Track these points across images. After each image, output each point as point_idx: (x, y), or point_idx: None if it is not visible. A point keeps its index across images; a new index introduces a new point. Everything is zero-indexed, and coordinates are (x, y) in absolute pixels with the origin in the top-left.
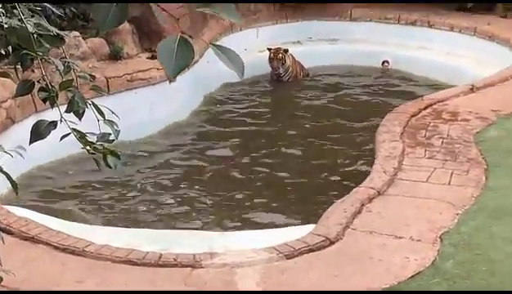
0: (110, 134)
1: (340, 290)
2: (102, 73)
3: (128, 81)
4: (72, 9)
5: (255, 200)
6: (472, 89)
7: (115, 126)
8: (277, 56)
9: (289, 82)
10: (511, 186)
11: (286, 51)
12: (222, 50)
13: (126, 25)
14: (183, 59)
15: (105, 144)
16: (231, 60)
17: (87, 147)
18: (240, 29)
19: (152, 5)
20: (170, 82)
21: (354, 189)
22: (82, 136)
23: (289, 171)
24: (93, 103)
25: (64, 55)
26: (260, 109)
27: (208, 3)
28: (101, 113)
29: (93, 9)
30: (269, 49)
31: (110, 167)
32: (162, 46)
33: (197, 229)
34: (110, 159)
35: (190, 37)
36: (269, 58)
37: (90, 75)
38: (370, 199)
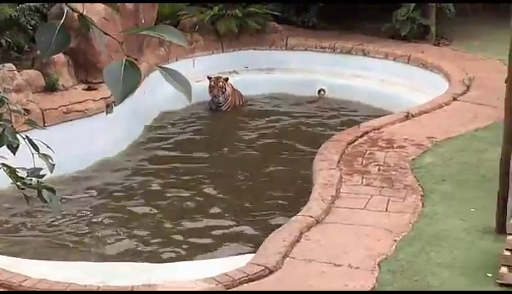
0: (41, 169)
1: None
2: (38, 105)
3: (64, 113)
4: (8, 40)
5: (192, 231)
6: (407, 116)
7: (50, 160)
8: (218, 84)
9: (228, 112)
10: (447, 212)
11: (226, 79)
12: (170, 72)
13: (61, 57)
14: (130, 82)
15: (39, 179)
16: (180, 83)
17: (18, 183)
18: (177, 59)
19: (95, 29)
20: (107, 113)
21: (292, 218)
22: (12, 171)
23: (226, 201)
24: (27, 137)
25: None
26: (198, 139)
27: (152, 28)
28: (36, 147)
29: (37, 35)
30: (209, 77)
31: (46, 202)
32: (108, 71)
33: (135, 260)
34: (45, 194)
35: (136, 60)
36: (209, 86)
37: (24, 109)
38: (309, 228)
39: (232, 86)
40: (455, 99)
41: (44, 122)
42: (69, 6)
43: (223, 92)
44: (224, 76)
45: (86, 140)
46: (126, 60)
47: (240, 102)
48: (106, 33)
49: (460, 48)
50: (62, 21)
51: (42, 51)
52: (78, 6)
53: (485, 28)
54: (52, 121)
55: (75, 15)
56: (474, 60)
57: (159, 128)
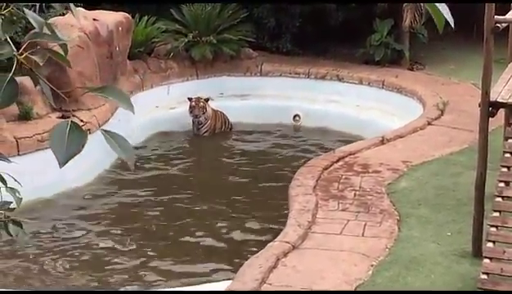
0: (11, 202)
1: None
2: (12, 133)
3: (38, 141)
4: None
5: (168, 257)
6: (382, 141)
7: (17, 194)
8: (199, 104)
9: (205, 137)
10: (423, 236)
11: (207, 100)
12: (113, 136)
13: None
14: (75, 145)
15: (7, 213)
16: (121, 147)
17: None
18: (152, 87)
19: (42, 82)
20: None
21: (269, 244)
22: None
23: (202, 226)
24: None
25: None
26: (174, 167)
27: (100, 88)
28: (3, 181)
29: None
30: (189, 98)
31: (11, 236)
32: (54, 133)
33: (111, 287)
34: (12, 228)
35: (82, 121)
36: (190, 106)
37: None
38: (286, 253)
39: (214, 110)
40: (429, 123)
41: (19, 151)
42: (19, 58)
43: (204, 112)
44: (205, 97)
45: (58, 168)
46: (72, 122)
47: (224, 127)
48: (53, 88)
49: (433, 72)
50: (11, 74)
51: None
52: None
53: (458, 53)
54: (27, 149)
55: (49, 43)
56: (448, 85)
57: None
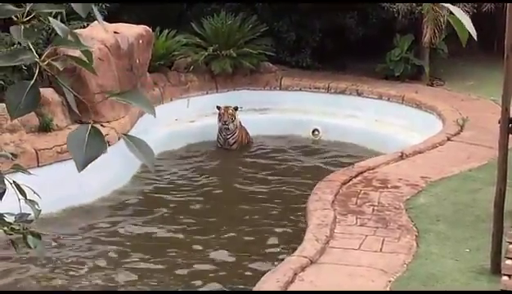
0: (29, 214)
1: None
2: (32, 145)
3: (58, 153)
4: (0, 81)
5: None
6: (401, 156)
7: (36, 206)
8: (227, 111)
9: (227, 150)
10: (441, 252)
11: (236, 108)
12: (134, 141)
13: (55, 97)
14: (94, 150)
15: (26, 225)
16: (142, 152)
17: (5, 228)
18: (171, 100)
19: (65, 90)
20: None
21: (287, 258)
22: None
23: (218, 237)
24: (14, 182)
25: None
26: (193, 178)
27: (122, 93)
28: (23, 193)
29: (7, 93)
30: (218, 107)
31: (30, 248)
32: (72, 136)
33: None
34: (30, 240)
35: (102, 126)
36: (219, 114)
37: (12, 153)
38: (303, 268)
39: (240, 122)
40: (449, 139)
41: (38, 162)
42: (41, 65)
43: (233, 120)
44: (233, 106)
45: (79, 179)
46: (92, 126)
47: (246, 140)
48: (76, 95)
49: (453, 88)
50: (33, 81)
51: (10, 110)
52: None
53: (478, 69)
54: (46, 161)
55: (66, 53)
56: (468, 101)
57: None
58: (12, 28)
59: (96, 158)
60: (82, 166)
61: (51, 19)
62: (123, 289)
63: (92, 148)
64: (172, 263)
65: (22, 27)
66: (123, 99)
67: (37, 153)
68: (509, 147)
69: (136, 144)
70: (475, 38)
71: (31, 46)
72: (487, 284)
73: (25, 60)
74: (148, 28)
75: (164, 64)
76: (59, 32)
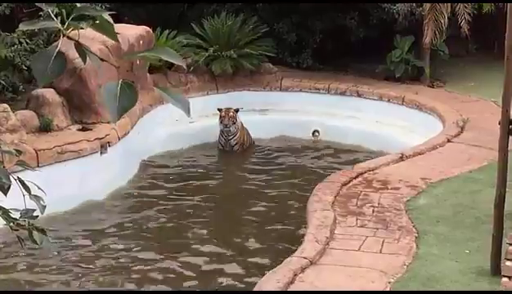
0: (34, 210)
1: None
2: (32, 145)
3: (58, 153)
4: (1, 81)
5: (185, 266)
6: (401, 157)
7: (41, 202)
8: (228, 114)
9: (227, 152)
10: (441, 254)
11: (237, 110)
12: (168, 92)
13: (56, 98)
14: (127, 101)
15: (31, 221)
16: (178, 100)
17: (11, 224)
18: None
19: (90, 54)
20: (101, 153)
21: (287, 259)
22: (5, 212)
23: (218, 238)
24: (19, 178)
25: None
26: (193, 178)
27: (148, 50)
28: (27, 188)
29: (32, 62)
30: (219, 109)
31: (37, 244)
32: (105, 89)
33: None
34: (36, 236)
35: (133, 82)
36: (220, 117)
37: (16, 150)
38: (303, 269)
39: (242, 123)
40: (449, 140)
41: (38, 163)
42: (66, 35)
43: (234, 122)
44: (234, 108)
45: (79, 180)
46: (123, 81)
47: (248, 142)
48: (103, 59)
49: (454, 90)
50: (58, 48)
51: (38, 78)
52: (75, 34)
53: (479, 70)
54: (46, 161)
55: (69, 56)
56: (468, 102)
57: (152, 168)
58: None
59: (131, 108)
60: (116, 116)
61: None
62: (129, 286)
63: (124, 99)
64: (176, 262)
65: None
66: (151, 53)
67: (37, 153)
68: (510, 148)
69: (171, 95)
70: None
71: (52, 15)
72: (487, 285)
73: (48, 25)
74: (148, 28)
75: (165, 65)
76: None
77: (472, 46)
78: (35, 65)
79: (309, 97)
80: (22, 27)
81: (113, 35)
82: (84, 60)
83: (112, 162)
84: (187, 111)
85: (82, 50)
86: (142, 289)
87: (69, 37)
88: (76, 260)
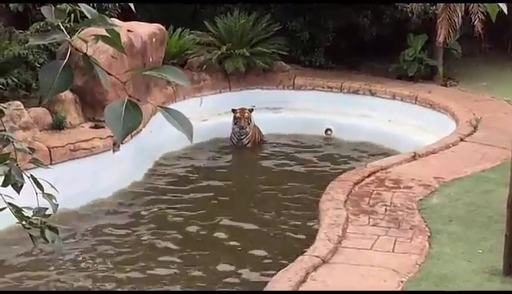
0: (46, 208)
1: None
2: (45, 143)
3: (71, 151)
4: (14, 79)
5: (195, 265)
6: (414, 156)
7: (54, 200)
8: (244, 115)
9: (238, 148)
10: (454, 253)
11: (251, 110)
12: (171, 112)
13: (69, 95)
14: (131, 122)
15: (43, 219)
16: (181, 123)
17: (23, 222)
18: (184, 98)
19: (97, 68)
20: (114, 151)
21: (299, 258)
22: (18, 211)
23: (230, 236)
24: (32, 176)
25: (3, 127)
26: (205, 177)
27: (155, 68)
28: (40, 187)
29: (40, 74)
30: (234, 110)
31: (48, 242)
32: (109, 109)
33: None
34: (48, 234)
35: (138, 100)
36: (235, 118)
37: (29, 148)
38: (315, 268)
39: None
40: (462, 139)
41: (51, 160)
42: (74, 46)
43: (249, 123)
44: (248, 107)
45: (91, 178)
46: (128, 99)
47: (259, 138)
48: (110, 73)
49: (467, 89)
50: (66, 60)
51: (44, 90)
52: (84, 45)
53: (492, 69)
54: (59, 158)
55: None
56: (481, 101)
57: (164, 166)
58: (44, 9)
59: (134, 129)
60: (121, 137)
61: (80, 4)
62: (145, 283)
63: (129, 120)
64: (187, 261)
65: (53, 8)
66: (157, 73)
67: (50, 150)
68: None
69: (174, 116)
70: (505, 12)
71: (61, 26)
72: (499, 285)
73: (57, 39)
74: (161, 26)
75: (177, 63)
76: (87, 14)
77: (485, 45)
78: (42, 78)
79: (322, 96)
80: (32, 41)
81: (120, 47)
82: (90, 73)
83: (124, 159)
84: (190, 137)
85: (89, 62)
86: (156, 287)
87: (76, 49)
88: (89, 257)
